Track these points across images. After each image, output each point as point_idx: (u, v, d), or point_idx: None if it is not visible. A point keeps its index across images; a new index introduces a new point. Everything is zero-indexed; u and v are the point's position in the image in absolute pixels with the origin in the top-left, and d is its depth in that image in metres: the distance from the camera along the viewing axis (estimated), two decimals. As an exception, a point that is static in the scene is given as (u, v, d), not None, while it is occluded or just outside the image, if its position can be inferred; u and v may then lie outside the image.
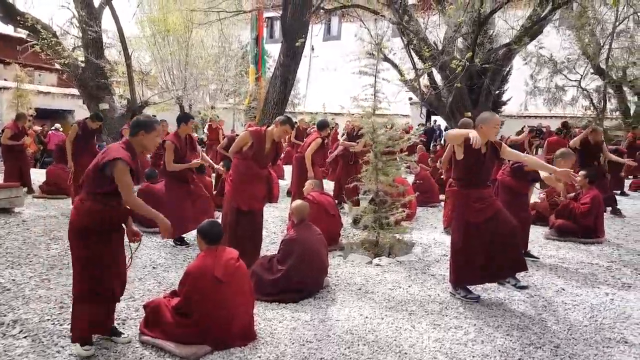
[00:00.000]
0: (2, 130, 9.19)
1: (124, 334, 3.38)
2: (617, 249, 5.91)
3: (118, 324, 3.62)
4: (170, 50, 14.58)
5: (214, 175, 8.68)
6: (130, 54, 10.99)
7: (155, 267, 5.07)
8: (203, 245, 3.53)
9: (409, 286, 4.60)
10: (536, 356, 3.27)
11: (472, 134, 3.76)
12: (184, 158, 5.73)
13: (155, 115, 15.17)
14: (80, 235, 3.11)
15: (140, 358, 3.16)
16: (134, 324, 3.59)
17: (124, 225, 3.34)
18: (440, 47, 12.48)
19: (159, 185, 6.44)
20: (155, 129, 3.32)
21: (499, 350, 3.34)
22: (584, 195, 6.32)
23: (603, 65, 13.30)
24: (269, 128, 4.99)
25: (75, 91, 14.27)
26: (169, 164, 5.56)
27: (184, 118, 5.90)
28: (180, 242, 5.88)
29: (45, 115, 17.49)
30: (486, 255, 4.09)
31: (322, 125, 7.53)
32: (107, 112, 10.83)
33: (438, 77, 14.56)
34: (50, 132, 14.64)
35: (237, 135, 10.53)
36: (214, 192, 7.73)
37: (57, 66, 12.05)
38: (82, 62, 11.20)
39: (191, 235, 5.92)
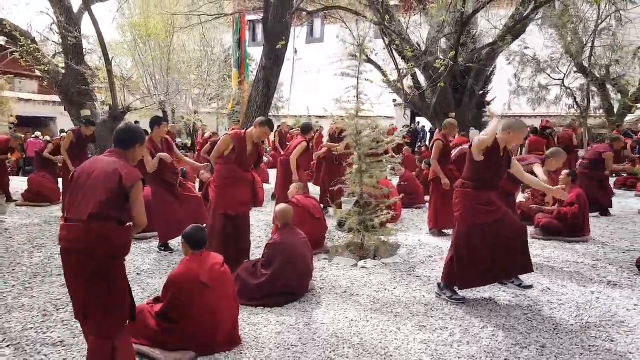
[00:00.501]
0: None
1: None
2: (602, 247, 5.95)
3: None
4: (152, 54, 14.43)
5: (198, 180, 8.57)
6: (111, 59, 10.80)
7: (139, 273, 4.97)
8: (188, 251, 3.47)
9: (394, 288, 4.56)
10: (522, 356, 3.25)
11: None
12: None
13: (138, 122, 15.01)
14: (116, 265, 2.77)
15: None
16: (113, 335, 3.48)
17: None
18: (423, 48, 12.52)
19: (146, 192, 6.33)
20: (146, 139, 3.15)
21: (485, 351, 3.31)
22: (569, 195, 6.34)
23: (586, 64, 13.45)
24: (249, 130, 4.92)
25: (56, 98, 14.05)
26: (148, 165, 5.46)
27: (156, 121, 5.79)
28: (164, 247, 5.78)
29: (27, 123, 17.20)
30: (490, 258, 4.05)
31: (306, 129, 7.51)
32: (89, 119, 10.63)
33: (422, 78, 14.62)
34: (29, 140, 14.37)
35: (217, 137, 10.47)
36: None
37: (38, 73, 11.83)
38: (62, 68, 11.02)
39: (175, 242, 5.83)
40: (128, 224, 2.79)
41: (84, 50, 11.59)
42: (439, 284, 4.37)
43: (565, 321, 3.81)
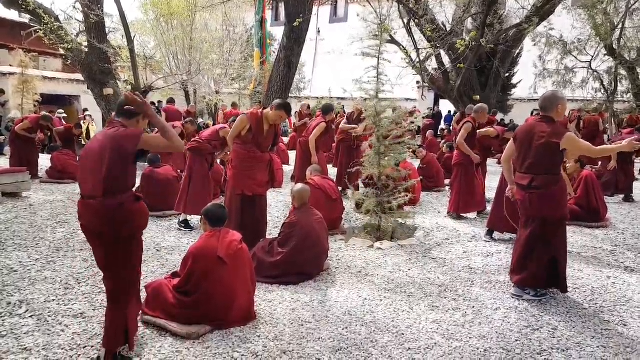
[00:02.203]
0: (22, 120, 9.35)
1: None
2: (622, 232, 5.87)
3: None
4: (174, 34, 14.48)
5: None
6: (133, 38, 10.92)
7: (159, 249, 5.14)
8: (207, 227, 3.57)
9: (409, 269, 4.61)
10: (533, 338, 3.29)
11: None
12: None
13: (160, 102, 15.19)
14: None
15: (142, 337, 3.22)
16: (136, 305, 3.64)
17: None
18: (448, 28, 12.28)
19: (161, 170, 6.49)
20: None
21: (497, 332, 3.36)
22: (577, 181, 6.36)
23: (615, 46, 12.99)
24: (266, 110, 4.95)
25: (80, 77, 14.28)
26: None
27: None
28: (185, 225, 5.94)
29: (51, 101, 17.58)
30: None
31: (327, 110, 7.46)
32: (111, 98, 10.86)
33: (446, 59, 14.36)
34: (54, 118, 14.72)
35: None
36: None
37: (61, 51, 12.04)
38: (85, 47, 11.18)
39: (196, 220, 5.98)
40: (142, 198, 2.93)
41: (107, 29, 11.71)
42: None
43: (579, 305, 3.82)
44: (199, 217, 3.84)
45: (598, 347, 3.17)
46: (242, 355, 3.03)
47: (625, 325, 3.48)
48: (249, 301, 3.52)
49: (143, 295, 3.64)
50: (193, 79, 14.62)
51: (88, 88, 12.06)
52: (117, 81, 11.44)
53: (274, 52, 16.32)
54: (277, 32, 20.02)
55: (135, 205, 2.82)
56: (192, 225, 5.97)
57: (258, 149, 4.88)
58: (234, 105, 13.93)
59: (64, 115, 15.37)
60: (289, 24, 9.65)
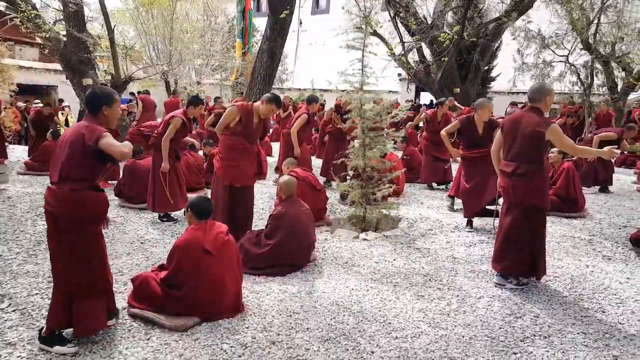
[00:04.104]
0: None
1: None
2: (599, 222, 6.04)
3: (106, 298, 3.66)
4: (154, 23, 14.24)
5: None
6: (113, 27, 10.69)
7: (143, 242, 5.08)
8: (193, 220, 3.55)
9: (394, 259, 4.67)
10: (516, 325, 3.38)
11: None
12: None
13: (140, 92, 14.94)
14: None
15: (129, 330, 3.20)
16: (122, 298, 3.61)
17: None
18: (429, 21, 12.36)
19: (144, 161, 6.41)
20: (117, 100, 3.08)
21: (481, 320, 3.44)
22: (557, 171, 6.51)
23: (591, 41, 13.26)
24: (256, 104, 4.93)
25: (58, 66, 13.90)
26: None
27: (193, 102, 5.78)
28: (166, 218, 5.88)
29: (28, 91, 17.09)
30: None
31: (311, 100, 7.47)
32: (90, 88, 10.61)
33: (427, 52, 14.46)
34: (31, 108, 14.35)
35: (222, 109, 10.45)
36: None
37: (39, 40, 11.70)
38: (63, 36, 10.89)
39: (177, 212, 5.93)
40: (104, 191, 3.01)
41: (86, 18, 11.42)
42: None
43: (559, 293, 3.94)
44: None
45: (578, 333, 3.28)
46: (231, 347, 3.04)
47: (603, 312, 3.60)
48: (237, 293, 3.53)
49: (130, 287, 3.62)
50: (174, 69, 14.40)
51: (67, 78, 11.76)
52: (97, 71, 11.19)
53: (256, 43, 16.19)
54: (260, 23, 19.84)
55: (92, 192, 2.90)
56: (174, 217, 5.92)
57: (247, 141, 4.86)
58: (217, 99, 13.73)
59: (41, 105, 14.96)
60: (273, 15, 9.58)
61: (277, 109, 4.95)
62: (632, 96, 15.47)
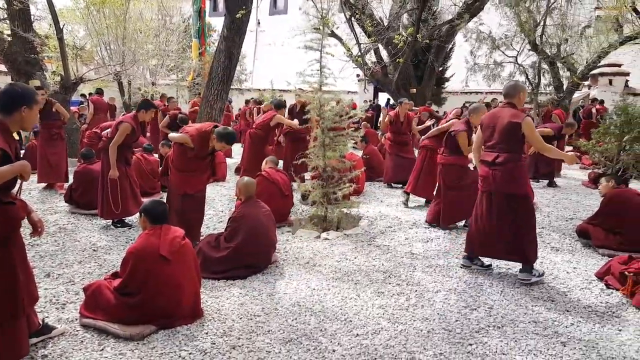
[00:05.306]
0: None
1: (56, 327, 3.16)
2: (547, 215, 6.33)
3: (57, 308, 3.51)
4: (106, 22, 13.75)
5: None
6: (62, 27, 10.24)
7: (95, 249, 4.90)
8: (147, 225, 3.45)
9: (355, 257, 4.72)
10: (472, 317, 3.49)
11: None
12: None
13: (91, 93, 14.40)
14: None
15: (82, 341, 3.08)
16: (74, 308, 3.48)
17: None
18: (386, 23, 12.57)
19: (95, 166, 6.18)
20: (38, 102, 2.74)
21: (438, 313, 3.53)
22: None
23: (538, 42, 13.89)
24: (209, 132, 4.78)
25: (2, 67, 13.20)
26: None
27: (144, 106, 5.59)
28: (120, 223, 5.70)
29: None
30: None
31: (280, 106, 7.67)
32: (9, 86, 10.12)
33: (384, 54, 14.71)
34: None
35: (177, 110, 10.25)
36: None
37: (-20, 40, 11.04)
38: (8, 35, 10.35)
39: (133, 217, 5.76)
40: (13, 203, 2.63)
41: (32, 17, 10.90)
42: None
43: (512, 284, 4.10)
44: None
45: (529, 322, 3.42)
46: (190, 354, 2.98)
47: (552, 301, 3.78)
48: (195, 298, 3.46)
49: (82, 297, 3.48)
50: (127, 70, 13.96)
51: (12, 80, 11.18)
52: (45, 72, 10.70)
53: (213, 43, 15.95)
54: (217, 23, 19.54)
55: None
56: (128, 222, 5.75)
57: (198, 159, 4.88)
58: (169, 99, 13.37)
59: None
60: (229, 14, 9.45)
61: (228, 145, 4.84)
62: (576, 95, 16.32)
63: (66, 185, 6.92)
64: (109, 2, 13.51)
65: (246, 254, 4.24)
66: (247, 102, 15.69)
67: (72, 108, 10.92)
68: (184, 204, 4.90)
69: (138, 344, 3.07)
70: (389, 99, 18.98)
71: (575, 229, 5.38)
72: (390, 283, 4.10)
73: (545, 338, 3.21)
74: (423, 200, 6.93)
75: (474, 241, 4.29)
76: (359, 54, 11.25)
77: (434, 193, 6.11)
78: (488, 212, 4.12)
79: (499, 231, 4.08)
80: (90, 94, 14.62)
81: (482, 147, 4.27)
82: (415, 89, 14.22)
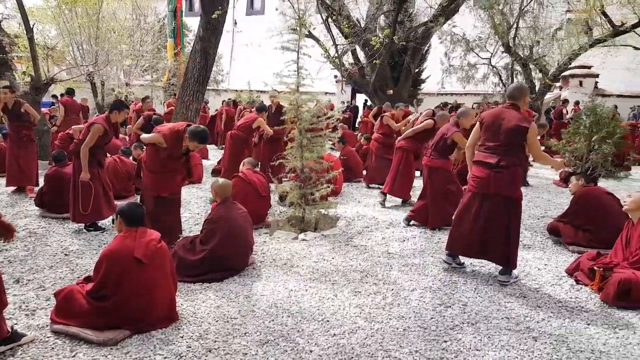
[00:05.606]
0: None
1: (26, 334, 3.09)
2: (520, 214, 6.46)
3: (27, 315, 3.42)
4: (78, 22, 13.46)
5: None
6: (32, 26, 9.99)
7: (67, 254, 4.79)
8: (123, 227, 3.39)
9: (333, 258, 4.74)
10: (446, 314, 3.54)
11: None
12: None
13: (63, 94, 14.09)
14: None
15: (53, 348, 3.01)
16: (44, 314, 3.39)
17: None
18: (362, 25, 12.65)
19: (67, 169, 6.03)
20: None
21: (414, 311, 3.57)
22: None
23: (511, 44, 14.21)
24: (183, 131, 4.72)
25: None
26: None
27: (117, 107, 5.48)
28: (93, 227, 5.58)
29: None
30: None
31: (261, 110, 7.83)
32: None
33: (362, 55, 14.78)
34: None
35: (151, 111, 10.12)
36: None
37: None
38: (-26, 34, 10.05)
39: (106, 220, 5.65)
40: None
41: (1, 15, 10.62)
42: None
43: (485, 281, 4.18)
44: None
45: (502, 318, 3.50)
46: (165, 358, 2.94)
47: (524, 297, 3.87)
48: (170, 302, 3.42)
49: (52, 303, 3.40)
50: (100, 70, 13.70)
51: (-21, 80, 10.83)
52: (14, 73, 10.41)
53: (189, 43, 15.76)
54: (192, 23, 19.35)
55: None
56: (101, 226, 5.63)
57: (172, 160, 4.81)
58: (144, 99, 13.17)
59: None
60: (205, 14, 9.36)
61: (200, 145, 4.75)
62: (548, 96, 16.74)
63: (36, 188, 6.74)
64: (81, 1, 13.25)
65: (223, 256, 4.21)
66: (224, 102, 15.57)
67: (43, 109, 10.64)
68: (158, 207, 4.82)
69: (111, 349, 3.02)
70: (366, 100, 19.09)
71: (546, 227, 5.52)
72: (367, 282, 4.13)
73: (517, 333, 3.28)
74: (400, 200, 7.00)
75: (457, 241, 4.28)
76: (336, 55, 11.28)
77: (419, 194, 6.07)
78: (477, 213, 4.09)
79: (486, 233, 4.06)
80: (61, 94, 14.29)
81: (477, 146, 4.23)
82: (392, 90, 14.33)
